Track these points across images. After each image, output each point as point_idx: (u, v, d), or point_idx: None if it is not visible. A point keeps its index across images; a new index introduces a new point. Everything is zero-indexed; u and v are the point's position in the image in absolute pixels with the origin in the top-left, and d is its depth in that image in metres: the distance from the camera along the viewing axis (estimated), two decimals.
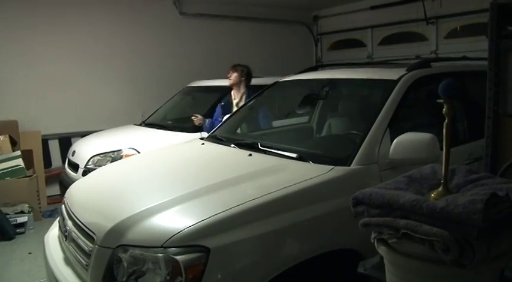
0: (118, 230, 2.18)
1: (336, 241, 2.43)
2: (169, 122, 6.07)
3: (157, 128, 5.72)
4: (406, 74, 3.16)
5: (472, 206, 1.14)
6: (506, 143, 2.11)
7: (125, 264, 2.08)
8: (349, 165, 2.61)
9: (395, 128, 2.83)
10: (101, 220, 2.38)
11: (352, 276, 1.82)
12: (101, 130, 6.14)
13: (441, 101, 1.38)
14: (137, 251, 2.09)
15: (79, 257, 2.38)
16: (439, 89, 1.38)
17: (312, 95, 3.89)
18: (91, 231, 2.32)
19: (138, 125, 6.22)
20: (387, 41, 8.53)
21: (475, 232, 1.13)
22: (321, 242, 2.38)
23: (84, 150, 5.37)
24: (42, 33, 6.60)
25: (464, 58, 4.16)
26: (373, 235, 1.38)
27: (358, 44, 9.04)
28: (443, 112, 1.38)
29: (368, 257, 1.84)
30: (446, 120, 1.38)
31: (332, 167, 2.58)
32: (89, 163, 5.04)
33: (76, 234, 2.49)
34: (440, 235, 1.16)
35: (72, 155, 5.54)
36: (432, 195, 1.35)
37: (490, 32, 2.03)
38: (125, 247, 2.13)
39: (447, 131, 1.38)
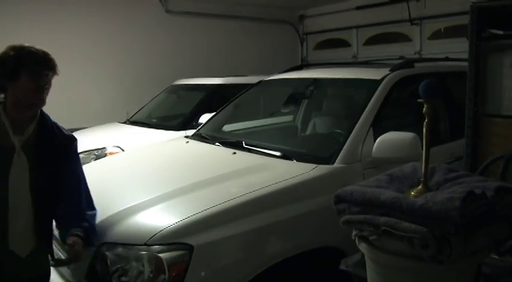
0: (101, 228, 2.18)
1: (319, 239, 2.45)
2: (154, 120, 6.04)
3: (142, 126, 5.69)
4: (389, 74, 3.19)
5: (450, 203, 1.17)
6: (486, 143, 2.15)
7: (108, 261, 2.08)
8: (333, 164, 2.64)
9: (378, 127, 2.86)
10: None
11: (335, 273, 1.85)
12: (85, 128, 6.10)
13: (422, 100, 1.41)
14: (120, 249, 2.09)
15: (59, 253, 2.37)
16: (419, 89, 1.41)
17: (297, 94, 3.90)
18: None
19: (123, 122, 6.18)
20: (372, 41, 8.59)
21: (452, 229, 1.16)
22: (305, 240, 2.40)
23: None
24: (26, 30, 6.51)
25: (447, 59, 4.21)
26: (354, 232, 1.40)
27: (344, 43, 9.08)
28: (424, 112, 1.40)
29: (351, 255, 1.87)
30: (426, 120, 1.41)
31: (315, 165, 2.60)
32: None
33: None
34: (419, 232, 1.19)
35: None
36: (412, 193, 1.38)
37: (470, 33, 2.07)
38: (109, 245, 2.12)
39: (427, 130, 1.41)
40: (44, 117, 2.11)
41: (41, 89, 1.96)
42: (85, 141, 5.28)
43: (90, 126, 6.13)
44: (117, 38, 7.34)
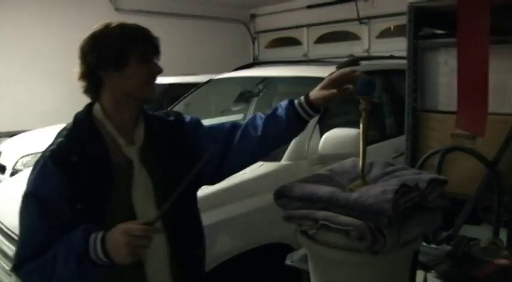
0: None
1: (268, 235, 2.48)
2: None
3: None
4: (335, 71, 3.25)
5: (383, 196, 1.21)
6: (425, 137, 2.23)
7: None
8: (279, 161, 2.67)
9: (324, 124, 2.92)
10: None
11: (285, 269, 1.87)
12: (32, 130, 5.90)
13: (359, 97, 1.45)
14: None
15: (2, 262, 2.29)
16: (355, 86, 1.45)
17: (247, 93, 3.92)
18: (15, 234, 2.24)
19: None
20: (323, 39, 8.74)
21: (386, 220, 1.20)
22: (254, 237, 2.43)
23: (12, 150, 5.13)
24: None
25: (392, 57, 4.34)
26: (295, 227, 1.43)
27: (295, 42, 9.20)
28: (360, 108, 1.44)
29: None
30: (363, 116, 1.45)
31: (262, 163, 2.62)
32: (18, 164, 4.82)
33: None
34: (355, 225, 1.22)
35: None
36: (350, 187, 1.41)
37: (408, 32, 2.15)
38: None
39: (364, 126, 1.45)
40: (145, 113, 1.58)
41: (153, 79, 1.50)
42: (31, 143, 5.13)
43: (37, 128, 5.94)
44: (64, 37, 7.11)
